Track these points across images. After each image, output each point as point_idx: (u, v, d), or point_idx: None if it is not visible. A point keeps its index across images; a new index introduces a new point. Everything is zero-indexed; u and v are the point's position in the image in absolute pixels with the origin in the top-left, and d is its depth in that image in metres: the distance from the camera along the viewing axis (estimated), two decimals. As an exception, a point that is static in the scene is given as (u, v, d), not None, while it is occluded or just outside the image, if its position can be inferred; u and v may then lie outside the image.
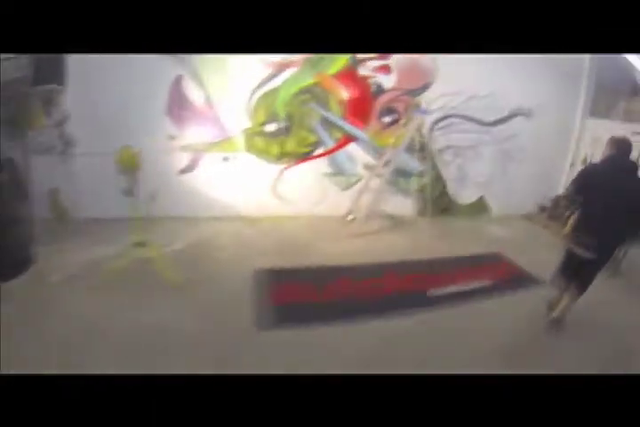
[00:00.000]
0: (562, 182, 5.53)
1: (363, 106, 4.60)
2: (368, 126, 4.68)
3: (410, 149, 4.69)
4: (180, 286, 2.99)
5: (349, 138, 4.67)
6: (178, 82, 4.19)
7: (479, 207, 5.45)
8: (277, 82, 4.33)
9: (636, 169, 2.62)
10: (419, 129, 4.57)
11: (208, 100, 4.26)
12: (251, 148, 4.40)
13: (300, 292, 3.19)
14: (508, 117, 5.19)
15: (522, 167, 5.38)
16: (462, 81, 4.82)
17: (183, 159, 4.34)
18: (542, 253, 3.71)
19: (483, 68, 4.72)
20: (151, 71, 4.02)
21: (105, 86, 3.93)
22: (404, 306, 3.03)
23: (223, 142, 4.35)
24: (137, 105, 4.07)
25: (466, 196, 5.36)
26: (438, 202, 5.18)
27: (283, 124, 4.43)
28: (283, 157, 4.50)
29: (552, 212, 5.37)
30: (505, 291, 3.34)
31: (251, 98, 4.32)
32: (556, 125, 5.40)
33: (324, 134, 4.56)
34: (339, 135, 4.62)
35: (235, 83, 4.25)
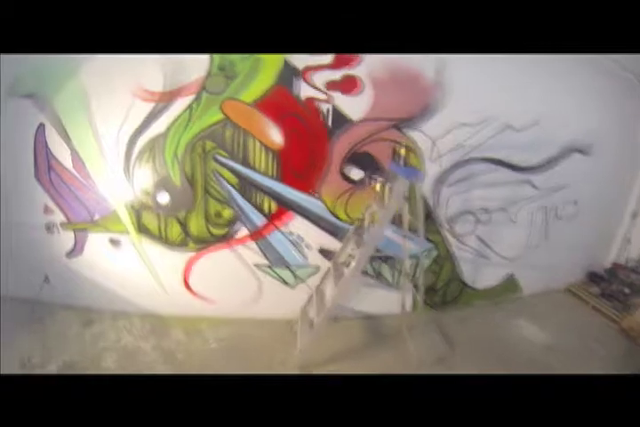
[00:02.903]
0: (618, 241, 3.66)
1: (309, 152, 2.59)
2: (322, 188, 2.69)
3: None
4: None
5: (289, 209, 2.78)
6: (41, 133, 2.83)
7: (505, 289, 3.45)
8: (164, 123, 2.61)
9: None
10: (409, 196, 2.41)
11: (76, 157, 2.83)
12: (141, 228, 2.91)
13: None
14: (559, 157, 2.98)
15: (568, 227, 3.29)
16: (485, 103, 2.51)
17: (68, 239, 3.15)
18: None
19: (516, 81, 2.44)
20: (17, 116, 2.75)
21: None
22: None
23: (106, 220, 2.94)
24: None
25: (486, 278, 3.34)
26: (443, 292, 3.15)
27: (181, 192, 2.77)
28: (188, 241, 2.91)
29: (607, 286, 3.49)
30: None
31: (129, 151, 2.72)
32: (617, 164, 3.27)
33: (245, 205, 2.76)
34: (272, 206, 2.77)
35: (104, 128, 2.70)
